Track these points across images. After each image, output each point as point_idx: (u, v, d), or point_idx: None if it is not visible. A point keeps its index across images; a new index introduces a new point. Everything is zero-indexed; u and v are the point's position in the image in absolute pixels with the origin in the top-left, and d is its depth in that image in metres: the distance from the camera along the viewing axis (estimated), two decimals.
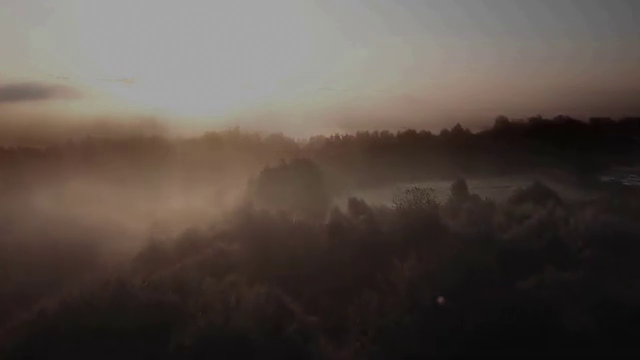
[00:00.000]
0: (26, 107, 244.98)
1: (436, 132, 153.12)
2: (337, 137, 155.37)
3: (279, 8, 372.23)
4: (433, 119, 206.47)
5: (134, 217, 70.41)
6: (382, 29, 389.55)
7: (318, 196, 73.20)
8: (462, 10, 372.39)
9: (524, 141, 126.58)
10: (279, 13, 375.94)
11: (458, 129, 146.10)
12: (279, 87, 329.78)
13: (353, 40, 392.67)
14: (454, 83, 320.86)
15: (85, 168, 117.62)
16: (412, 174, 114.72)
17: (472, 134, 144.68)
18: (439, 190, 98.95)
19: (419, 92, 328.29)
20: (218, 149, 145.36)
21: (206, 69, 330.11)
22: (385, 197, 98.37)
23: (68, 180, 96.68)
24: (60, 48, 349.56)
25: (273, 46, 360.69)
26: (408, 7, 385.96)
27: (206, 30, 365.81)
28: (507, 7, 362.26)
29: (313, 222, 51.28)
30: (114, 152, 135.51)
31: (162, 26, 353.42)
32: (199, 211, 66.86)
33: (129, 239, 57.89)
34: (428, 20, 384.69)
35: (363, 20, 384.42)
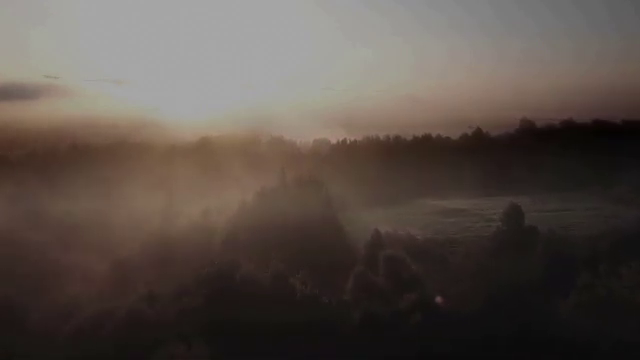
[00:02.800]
0: (13, 108, 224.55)
1: (449, 134, 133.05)
2: (344, 142, 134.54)
3: (279, 8, 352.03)
4: (440, 120, 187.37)
5: (78, 263, 50.83)
6: (383, 29, 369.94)
7: (331, 234, 52.79)
8: (463, 10, 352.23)
9: (560, 148, 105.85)
10: (279, 13, 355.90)
11: (478, 133, 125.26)
12: (279, 87, 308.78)
13: (354, 40, 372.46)
14: (455, 83, 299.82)
15: (52, 180, 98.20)
16: (434, 188, 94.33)
17: (495, 138, 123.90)
18: (473, 212, 78.72)
19: (422, 92, 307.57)
20: (213, 156, 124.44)
21: (204, 69, 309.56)
22: (408, 219, 78.29)
23: (19, 196, 77.59)
24: (54, 48, 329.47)
25: (273, 46, 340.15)
26: (408, 7, 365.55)
27: (204, 30, 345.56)
28: (509, 7, 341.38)
29: (330, 297, 30.82)
30: (92, 161, 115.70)
31: (158, 25, 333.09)
32: (165, 260, 46.84)
33: (60, 301, 38.84)
34: (429, 20, 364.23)
35: (364, 20, 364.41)
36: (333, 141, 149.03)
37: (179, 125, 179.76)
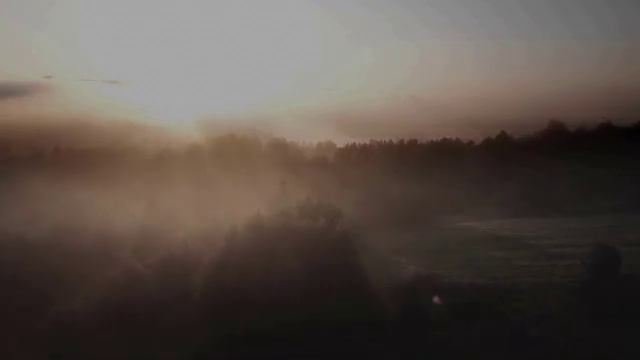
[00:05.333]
0: (5, 107, 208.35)
1: (466, 137, 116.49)
2: (353, 146, 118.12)
3: (282, 8, 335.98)
4: (451, 122, 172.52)
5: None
6: (387, 31, 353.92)
7: (347, 286, 36.56)
8: (465, 11, 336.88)
9: (600, 155, 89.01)
10: (281, 13, 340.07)
11: (503, 137, 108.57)
12: (280, 88, 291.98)
13: (357, 42, 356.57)
14: (461, 84, 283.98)
15: (21, 190, 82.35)
16: (462, 203, 77.69)
17: (523, 143, 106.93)
18: (522, 240, 61.65)
19: (427, 93, 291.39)
20: (208, 163, 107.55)
21: (203, 70, 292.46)
22: (441, 249, 61.51)
23: None
24: (50, 47, 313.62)
25: (273, 46, 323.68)
26: (412, 9, 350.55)
27: (204, 29, 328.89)
28: (514, 9, 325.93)
29: None
30: (73, 167, 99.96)
31: (157, 25, 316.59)
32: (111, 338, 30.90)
33: None
34: (432, 22, 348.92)
35: (368, 22, 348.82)
36: (339, 144, 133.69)
37: (176, 126, 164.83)
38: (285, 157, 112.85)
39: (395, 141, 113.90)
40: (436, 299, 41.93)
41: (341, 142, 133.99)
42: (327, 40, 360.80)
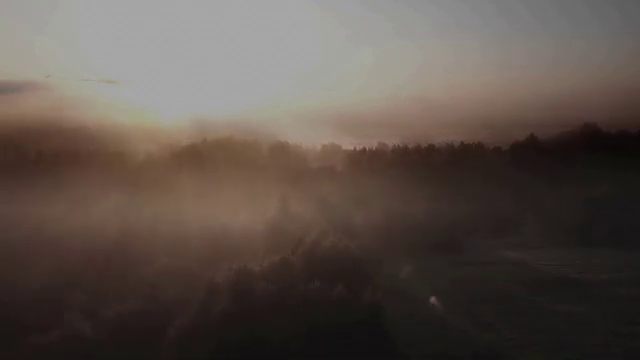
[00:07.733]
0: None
1: (485, 142, 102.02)
2: (363, 150, 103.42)
3: (282, 8, 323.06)
4: (449, 122, 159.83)
5: None
6: (387, 31, 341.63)
7: None
8: (467, 11, 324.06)
9: None
10: (281, 13, 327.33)
11: (532, 140, 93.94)
12: (280, 88, 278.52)
13: (357, 42, 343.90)
14: (459, 84, 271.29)
15: None
16: (503, 224, 62.99)
17: (554, 149, 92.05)
18: (604, 288, 43.14)
19: (426, 94, 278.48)
20: (202, 170, 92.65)
21: (202, 70, 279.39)
22: (489, 295, 45.39)
23: None
24: (48, 47, 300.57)
25: (274, 46, 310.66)
26: (412, 9, 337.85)
27: (204, 29, 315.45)
28: (515, 8, 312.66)
29: None
30: (54, 173, 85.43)
31: (157, 25, 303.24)
32: None
33: None
34: (433, 22, 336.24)
35: (368, 22, 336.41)
36: (342, 146, 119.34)
37: (175, 127, 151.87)
38: (287, 163, 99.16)
39: (403, 144, 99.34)
40: (433, 299, 36.98)
41: (343, 143, 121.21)
42: (327, 40, 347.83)
